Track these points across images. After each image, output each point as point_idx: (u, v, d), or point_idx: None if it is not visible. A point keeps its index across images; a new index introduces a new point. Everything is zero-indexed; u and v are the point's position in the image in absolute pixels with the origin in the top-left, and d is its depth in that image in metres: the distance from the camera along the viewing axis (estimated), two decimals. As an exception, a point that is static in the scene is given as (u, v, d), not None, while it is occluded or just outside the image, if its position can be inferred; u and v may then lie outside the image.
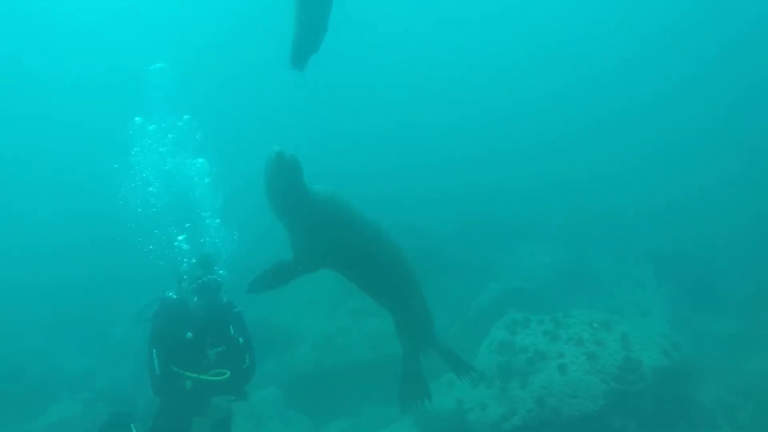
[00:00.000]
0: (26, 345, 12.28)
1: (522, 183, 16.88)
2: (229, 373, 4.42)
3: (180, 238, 5.34)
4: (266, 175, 3.96)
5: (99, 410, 9.01)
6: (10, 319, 13.15)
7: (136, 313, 4.75)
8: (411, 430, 7.74)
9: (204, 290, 4.56)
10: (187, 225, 5.51)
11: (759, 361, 7.54)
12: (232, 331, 4.61)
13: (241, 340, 4.60)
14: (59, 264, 15.50)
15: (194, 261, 4.83)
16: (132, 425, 4.69)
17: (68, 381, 10.91)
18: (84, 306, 13.04)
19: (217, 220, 5.73)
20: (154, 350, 4.42)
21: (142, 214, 5.67)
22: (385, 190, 17.91)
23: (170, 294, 4.79)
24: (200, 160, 6.00)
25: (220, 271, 4.78)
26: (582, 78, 23.58)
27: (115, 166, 6.06)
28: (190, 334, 4.43)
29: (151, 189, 5.80)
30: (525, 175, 17.53)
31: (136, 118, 6.06)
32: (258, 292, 4.35)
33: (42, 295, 13.84)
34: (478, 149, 20.46)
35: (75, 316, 12.81)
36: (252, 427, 8.54)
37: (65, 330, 12.59)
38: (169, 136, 6.03)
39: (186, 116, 6.13)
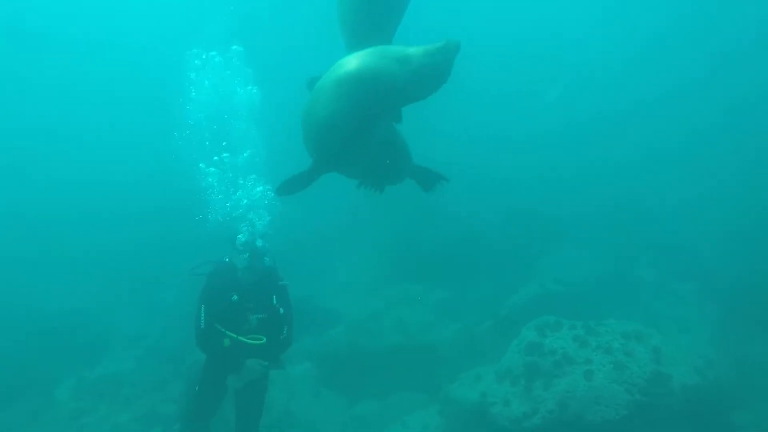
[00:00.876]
0: (87, 303, 13.16)
1: (570, 185, 16.70)
2: (265, 339, 4.76)
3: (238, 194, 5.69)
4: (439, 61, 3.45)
5: (149, 366, 9.66)
6: (74, 277, 14.15)
7: (192, 269, 5.15)
8: (435, 418, 7.96)
9: (251, 254, 4.91)
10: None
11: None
12: (274, 301, 4.93)
13: (281, 310, 4.92)
14: (124, 228, 16.41)
15: (244, 230, 5.15)
16: None
17: (122, 338, 11.66)
18: (140, 270, 13.80)
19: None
20: (203, 306, 4.80)
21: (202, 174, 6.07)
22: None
23: (226, 259, 5.16)
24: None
25: (265, 240, 5.13)
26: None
27: (175, 133, 6.47)
28: (235, 297, 4.79)
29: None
30: (574, 178, 17.33)
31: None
32: (284, 195, 4.23)
33: (105, 257, 14.75)
34: (530, 145, 20.39)
35: (132, 279, 13.59)
36: (285, 398, 8.91)
37: (123, 291, 13.40)
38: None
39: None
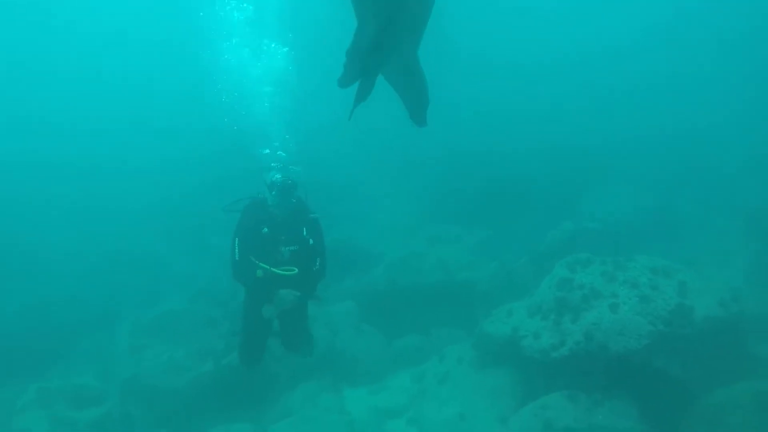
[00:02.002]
0: (142, 246, 14.09)
1: (613, 125, 16.31)
2: (297, 270, 5.03)
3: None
4: None
5: (200, 306, 10.44)
6: (131, 222, 15.12)
7: (227, 205, 5.38)
8: (469, 351, 8.39)
9: (281, 190, 5.09)
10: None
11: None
12: (305, 233, 5.15)
13: (311, 241, 5.15)
14: (172, 176, 17.20)
15: (273, 165, 5.37)
16: None
17: (175, 281, 12.55)
18: (190, 216, 14.55)
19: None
20: (236, 239, 5.09)
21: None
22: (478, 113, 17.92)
23: (260, 194, 5.36)
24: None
25: (297, 169, 5.36)
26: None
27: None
28: (266, 230, 5.05)
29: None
30: (617, 118, 16.89)
31: None
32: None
33: (157, 204, 15.62)
34: (576, 88, 19.85)
35: (183, 224, 14.41)
36: (328, 334, 9.49)
37: (175, 235, 14.27)
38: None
39: None
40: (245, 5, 7.11)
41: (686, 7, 22.12)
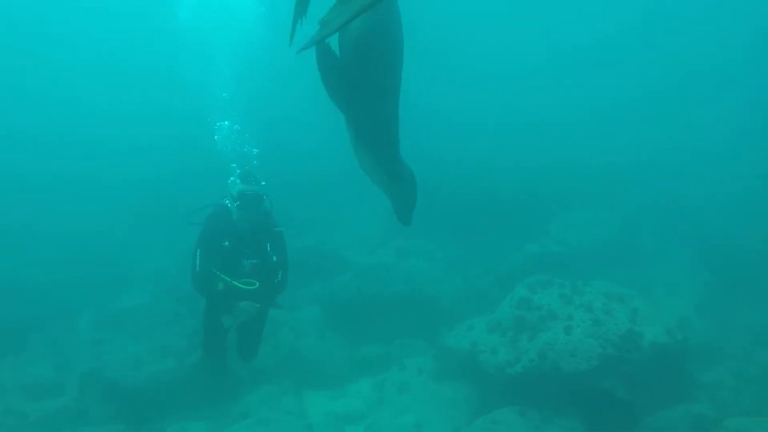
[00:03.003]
0: (109, 237, 13.91)
1: (586, 147, 16.83)
2: (258, 284, 4.96)
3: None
4: None
5: (165, 302, 10.40)
6: (100, 212, 14.90)
7: (188, 214, 5.28)
8: (430, 362, 8.64)
9: (245, 203, 4.97)
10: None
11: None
12: (268, 248, 5.09)
13: (275, 258, 5.10)
14: (143, 164, 16.94)
15: (237, 173, 5.22)
16: None
17: (141, 274, 12.46)
18: (161, 207, 14.38)
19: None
20: (198, 250, 5.00)
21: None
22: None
23: (226, 201, 5.22)
24: None
25: (262, 183, 5.20)
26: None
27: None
28: (227, 243, 4.95)
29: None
30: (590, 140, 17.45)
31: None
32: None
33: (128, 192, 15.38)
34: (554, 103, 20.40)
35: (153, 215, 14.23)
36: (293, 337, 9.62)
37: (144, 228, 14.11)
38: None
39: None
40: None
41: (655, 29, 22.88)
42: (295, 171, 15.82)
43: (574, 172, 15.05)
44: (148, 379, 8.36)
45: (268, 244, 5.13)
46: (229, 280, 4.92)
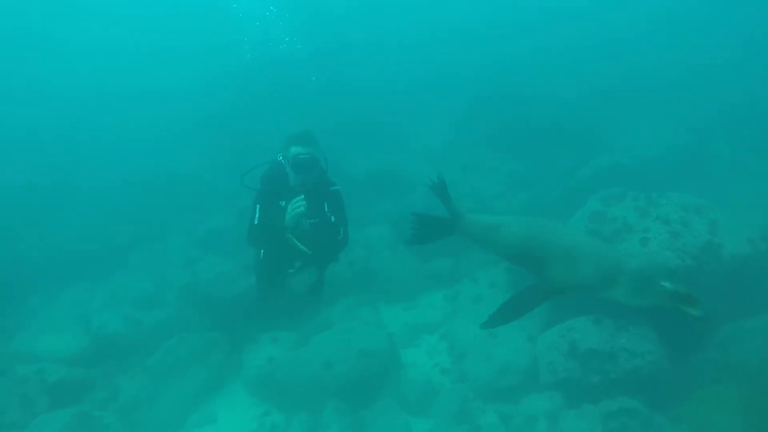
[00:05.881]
0: (185, 167, 14.65)
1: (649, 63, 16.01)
2: (311, 251, 4.77)
3: None
4: None
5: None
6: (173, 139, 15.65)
7: (244, 173, 5.02)
8: (503, 276, 8.89)
9: (300, 167, 4.81)
10: None
11: None
12: (326, 208, 4.96)
13: (333, 218, 4.97)
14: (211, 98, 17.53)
15: (292, 134, 4.98)
16: None
17: (219, 198, 13.10)
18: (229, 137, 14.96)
19: None
20: (258, 206, 4.85)
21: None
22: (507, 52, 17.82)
23: (280, 158, 5.01)
24: None
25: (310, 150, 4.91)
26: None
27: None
28: (284, 203, 4.76)
29: None
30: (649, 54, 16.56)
31: None
32: None
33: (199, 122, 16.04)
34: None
35: (223, 145, 14.83)
36: (365, 254, 10.04)
37: (216, 156, 14.73)
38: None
39: None
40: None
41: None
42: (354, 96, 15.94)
43: (634, 87, 14.48)
44: (238, 293, 9.06)
45: (326, 204, 5.03)
46: (290, 236, 4.74)
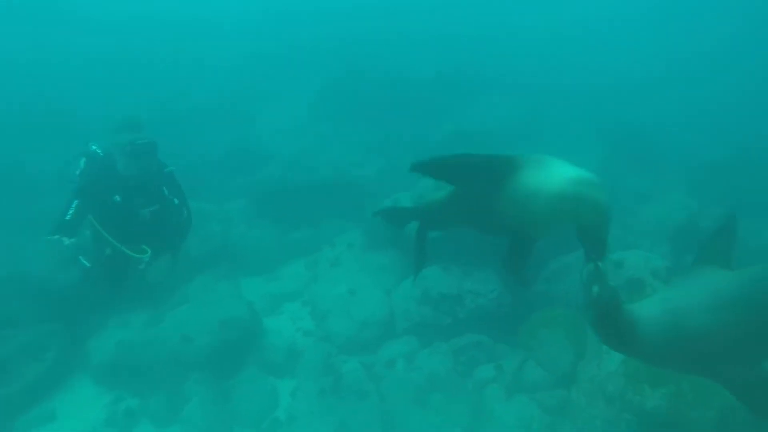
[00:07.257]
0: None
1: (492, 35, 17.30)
2: (149, 252, 4.61)
3: None
4: None
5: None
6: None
7: (60, 171, 4.77)
8: (359, 237, 9.13)
9: (139, 153, 4.53)
10: None
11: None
12: (166, 192, 4.78)
13: (176, 201, 4.82)
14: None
15: (120, 122, 4.70)
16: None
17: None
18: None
19: None
20: (76, 202, 4.50)
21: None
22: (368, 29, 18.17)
23: (95, 148, 4.70)
24: None
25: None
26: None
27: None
28: (118, 198, 4.50)
29: None
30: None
31: None
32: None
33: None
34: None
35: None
36: (222, 228, 9.73)
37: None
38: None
39: None
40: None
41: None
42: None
43: (481, 71, 15.58)
44: (77, 279, 8.23)
45: (165, 189, 4.79)
46: (119, 245, 4.50)
